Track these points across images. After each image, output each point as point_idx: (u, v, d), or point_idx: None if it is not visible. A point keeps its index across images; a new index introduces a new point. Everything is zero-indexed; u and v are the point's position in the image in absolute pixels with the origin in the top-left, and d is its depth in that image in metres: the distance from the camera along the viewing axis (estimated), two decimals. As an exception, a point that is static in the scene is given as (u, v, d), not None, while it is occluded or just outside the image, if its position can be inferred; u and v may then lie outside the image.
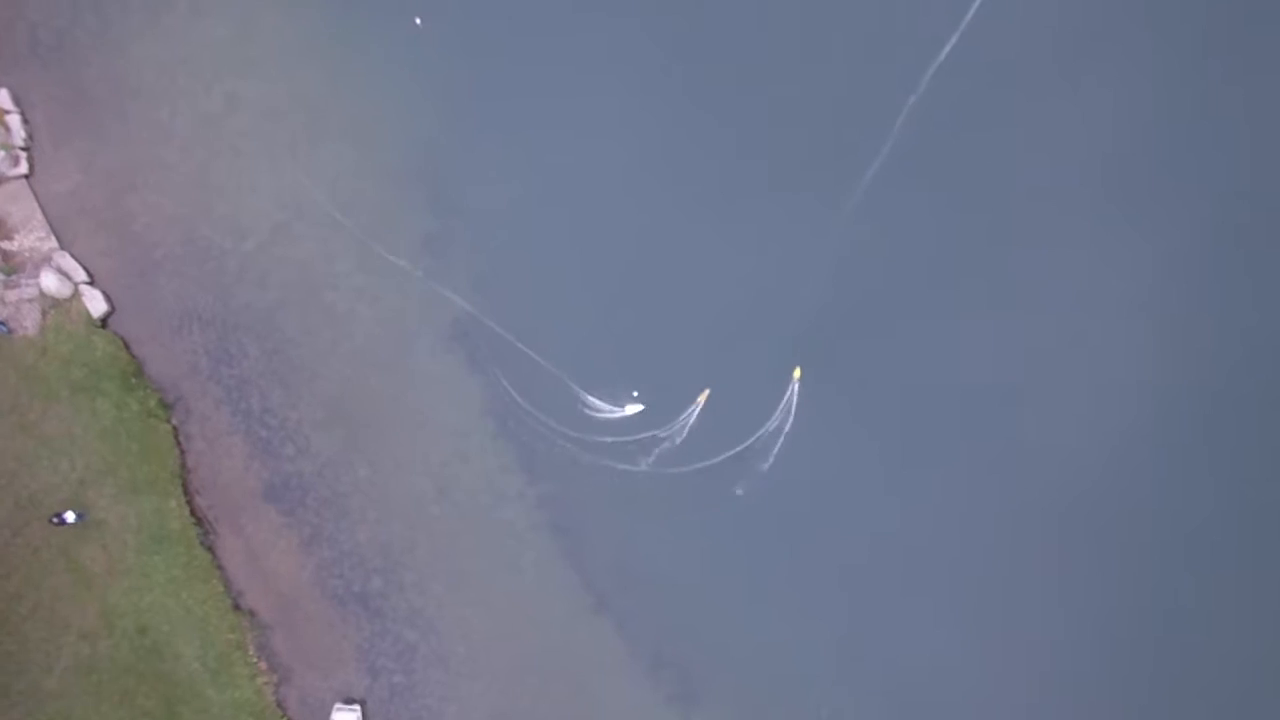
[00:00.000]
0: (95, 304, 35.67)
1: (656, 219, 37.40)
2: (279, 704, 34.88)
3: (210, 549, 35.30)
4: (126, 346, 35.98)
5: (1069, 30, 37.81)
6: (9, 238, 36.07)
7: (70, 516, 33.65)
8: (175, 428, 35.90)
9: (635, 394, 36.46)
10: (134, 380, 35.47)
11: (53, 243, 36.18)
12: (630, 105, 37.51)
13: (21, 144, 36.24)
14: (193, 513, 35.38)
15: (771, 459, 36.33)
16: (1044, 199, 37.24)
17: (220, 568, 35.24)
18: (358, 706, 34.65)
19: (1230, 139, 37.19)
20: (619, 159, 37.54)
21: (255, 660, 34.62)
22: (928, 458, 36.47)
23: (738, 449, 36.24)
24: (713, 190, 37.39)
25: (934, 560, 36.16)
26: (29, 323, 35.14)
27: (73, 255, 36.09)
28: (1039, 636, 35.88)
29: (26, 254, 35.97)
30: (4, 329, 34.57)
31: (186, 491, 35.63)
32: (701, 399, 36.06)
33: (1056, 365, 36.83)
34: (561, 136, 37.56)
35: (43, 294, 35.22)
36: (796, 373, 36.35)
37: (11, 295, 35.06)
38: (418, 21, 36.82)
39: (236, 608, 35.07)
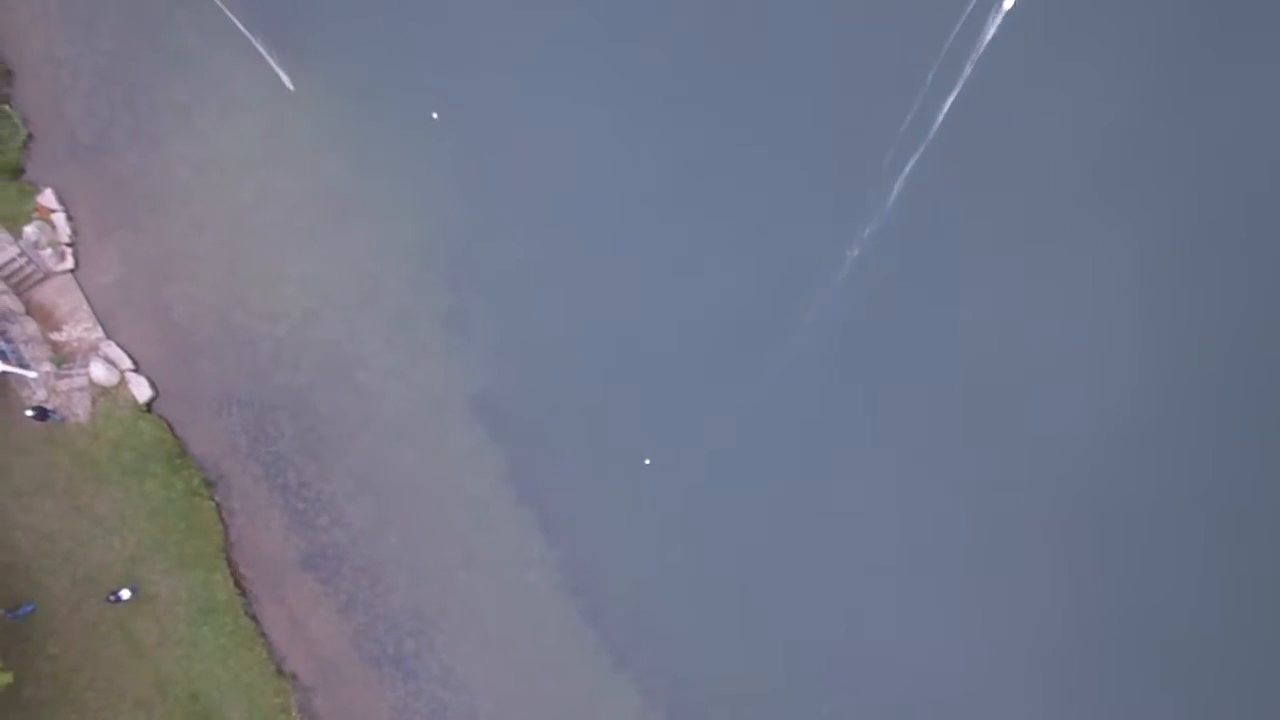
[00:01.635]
0: (141, 390, 38.12)
1: (669, 288, 39.62)
2: (322, 761, 37.53)
3: (254, 617, 37.81)
4: (171, 429, 38.42)
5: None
6: (58, 329, 38.53)
7: (125, 594, 36.13)
8: (218, 504, 38.36)
9: (648, 461, 38.98)
10: (179, 461, 37.93)
11: (99, 332, 38.61)
12: (643, 182, 39.49)
13: (67, 240, 38.61)
14: (237, 584, 37.96)
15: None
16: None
17: (264, 635, 37.74)
18: None
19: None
20: (631, 231, 39.58)
21: (299, 721, 37.32)
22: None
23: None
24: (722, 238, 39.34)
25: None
26: (80, 410, 37.61)
27: (118, 344, 38.48)
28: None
29: (75, 344, 38.42)
30: (58, 417, 37.02)
31: (230, 564, 38.18)
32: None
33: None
34: (574, 214, 39.65)
35: (92, 382, 37.69)
36: None
37: (63, 385, 37.49)
38: (434, 116, 39.12)
39: (280, 672, 37.61)
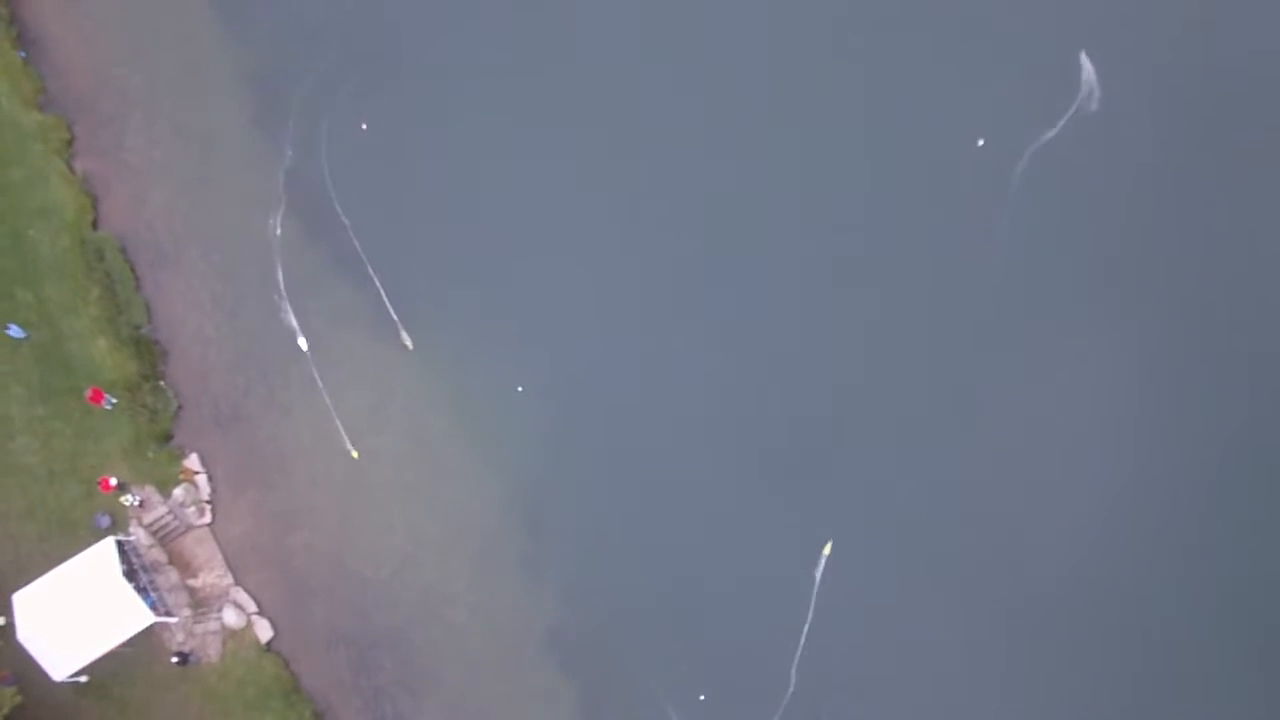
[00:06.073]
0: (264, 631, 43.95)
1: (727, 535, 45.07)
2: None
3: (355, 839, 42.64)
4: (287, 666, 44.10)
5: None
6: (195, 576, 44.81)
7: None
8: (326, 735, 43.83)
9: (702, 697, 43.64)
10: (294, 696, 43.34)
11: (229, 579, 44.82)
12: (714, 456, 45.20)
13: (207, 498, 45.39)
14: (340, 809, 42.95)
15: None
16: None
17: None
18: None
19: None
20: (692, 492, 45.21)
21: None
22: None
23: None
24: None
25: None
26: (212, 651, 43.46)
27: (245, 589, 44.71)
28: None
29: (209, 590, 44.60)
30: (194, 659, 42.90)
31: (335, 790, 43.26)
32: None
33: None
34: (645, 470, 45.60)
35: (224, 626, 43.68)
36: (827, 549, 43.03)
37: (199, 628, 43.52)
38: (519, 389, 45.86)
39: None
